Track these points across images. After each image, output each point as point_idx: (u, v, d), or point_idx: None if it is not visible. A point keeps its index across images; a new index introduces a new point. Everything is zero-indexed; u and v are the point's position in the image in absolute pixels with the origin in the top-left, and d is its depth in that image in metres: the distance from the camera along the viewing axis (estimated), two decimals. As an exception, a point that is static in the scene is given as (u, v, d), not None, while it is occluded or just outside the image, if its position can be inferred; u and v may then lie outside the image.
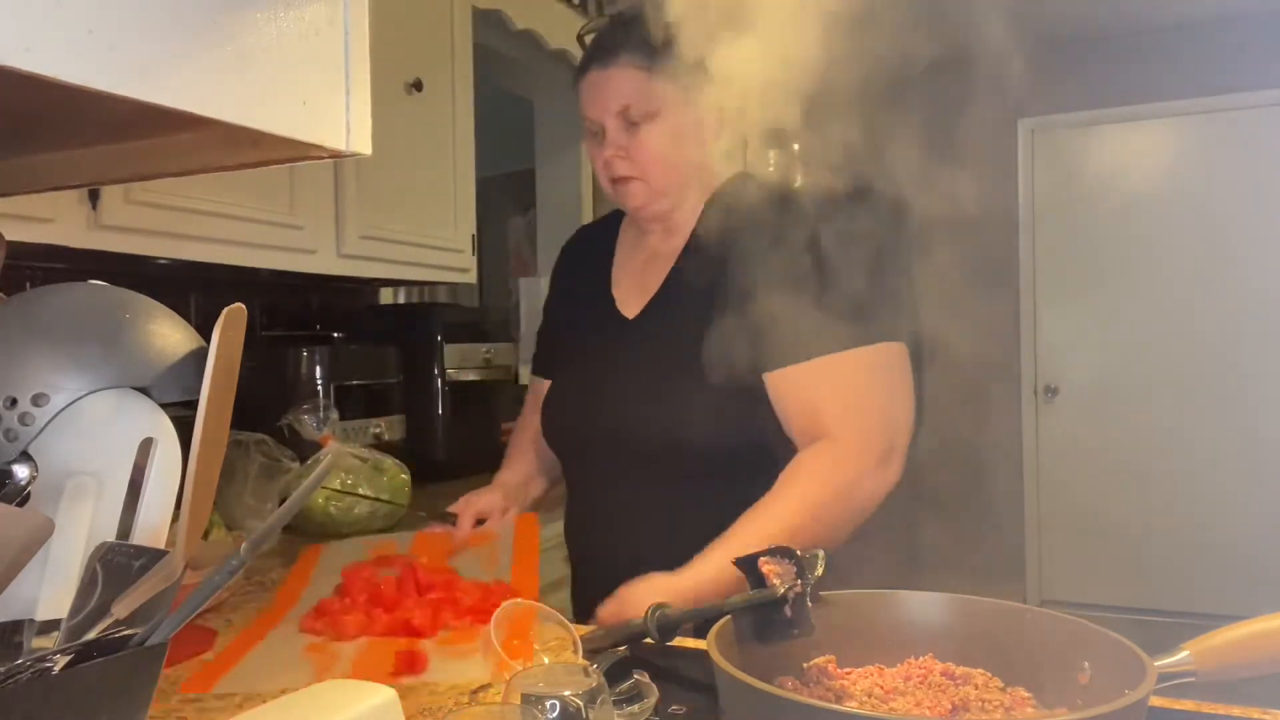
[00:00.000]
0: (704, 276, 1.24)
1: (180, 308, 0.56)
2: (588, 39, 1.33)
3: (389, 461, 1.91)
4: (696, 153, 1.28)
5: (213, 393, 0.51)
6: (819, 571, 0.80)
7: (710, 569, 1.08)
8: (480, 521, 1.39)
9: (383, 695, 0.71)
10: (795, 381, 1.18)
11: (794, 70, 0.90)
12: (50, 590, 0.50)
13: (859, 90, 0.95)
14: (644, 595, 1.05)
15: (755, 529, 1.11)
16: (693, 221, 1.31)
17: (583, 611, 1.14)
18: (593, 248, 1.47)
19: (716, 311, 1.19)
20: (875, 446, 1.16)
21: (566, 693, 0.61)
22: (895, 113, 1.05)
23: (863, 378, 1.18)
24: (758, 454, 1.20)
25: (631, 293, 1.35)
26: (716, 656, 0.67)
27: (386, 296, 2.88)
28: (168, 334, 0.54)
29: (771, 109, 0.93)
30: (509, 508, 1.42)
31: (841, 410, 1.16)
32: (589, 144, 1.32)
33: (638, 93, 1.23)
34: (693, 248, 1.30)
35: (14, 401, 0.50)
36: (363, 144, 0.64)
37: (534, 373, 1.54)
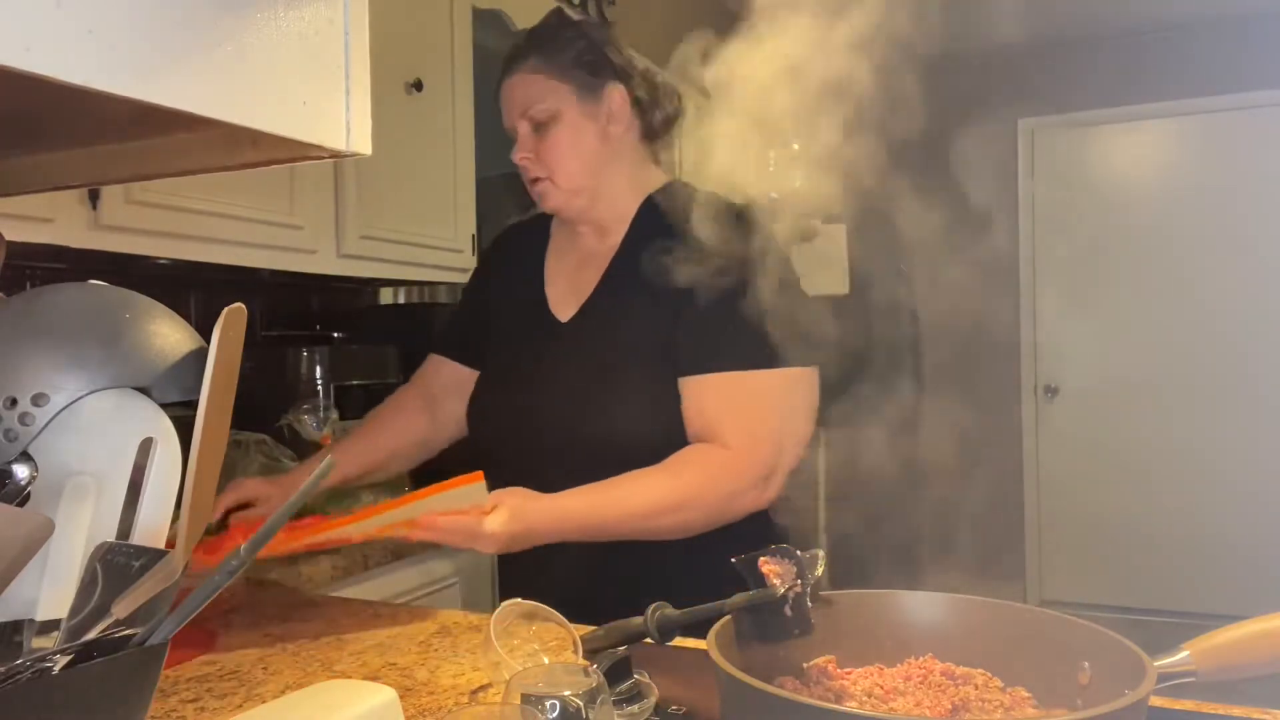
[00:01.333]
0: (635, 281, 1.27)
1: (180, 308, 0.56)
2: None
3: (389, 461, 1.91)
4: (605, 150, 1.32)
5: (213, 393, 0.51)
6: (819, 571, 0.80)
7: (579, 504, 1.17)
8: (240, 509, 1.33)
9: (383, 695, 0.71)
10: (701, 390, 1.23)
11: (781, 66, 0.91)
12: (50, 590, 0.50)
13: (857, 90, 0.95)
14: (523, 510, 1.14)
15: (631, 490, 1.19)
16: (626, 223, 1.34)
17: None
18: (525, 245, 1.47)
19: (646, 317, 1.24)
20: (761, 465, 1.22)
21: (566, 693, 0.61)
22: (895, 114, 1.05)
23: (763, 399, 1.24)
24: None
25: (565, 295, 1.37)
26: (716, 656, 0.67)
27: (386, 296, 2.88)
28: (168, 334, 0.54)
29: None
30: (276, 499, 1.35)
31: (737, 426, 1.21)
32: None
33: (536, 95, 1.29)
34: (626, 251, 1.33)
35: (14, 401, 0.50)
36: (363, 144, 0.64)
37: (447, 354, 1.51)
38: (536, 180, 1.32)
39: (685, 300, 1.21)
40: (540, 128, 1.29)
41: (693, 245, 1.20)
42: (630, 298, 1.29)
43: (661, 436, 1.23)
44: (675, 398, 1.24)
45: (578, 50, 1.30)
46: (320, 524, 1.19)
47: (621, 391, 1.25)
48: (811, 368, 1.24)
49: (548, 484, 1.21)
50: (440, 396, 1.50)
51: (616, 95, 1.31)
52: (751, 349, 1.19)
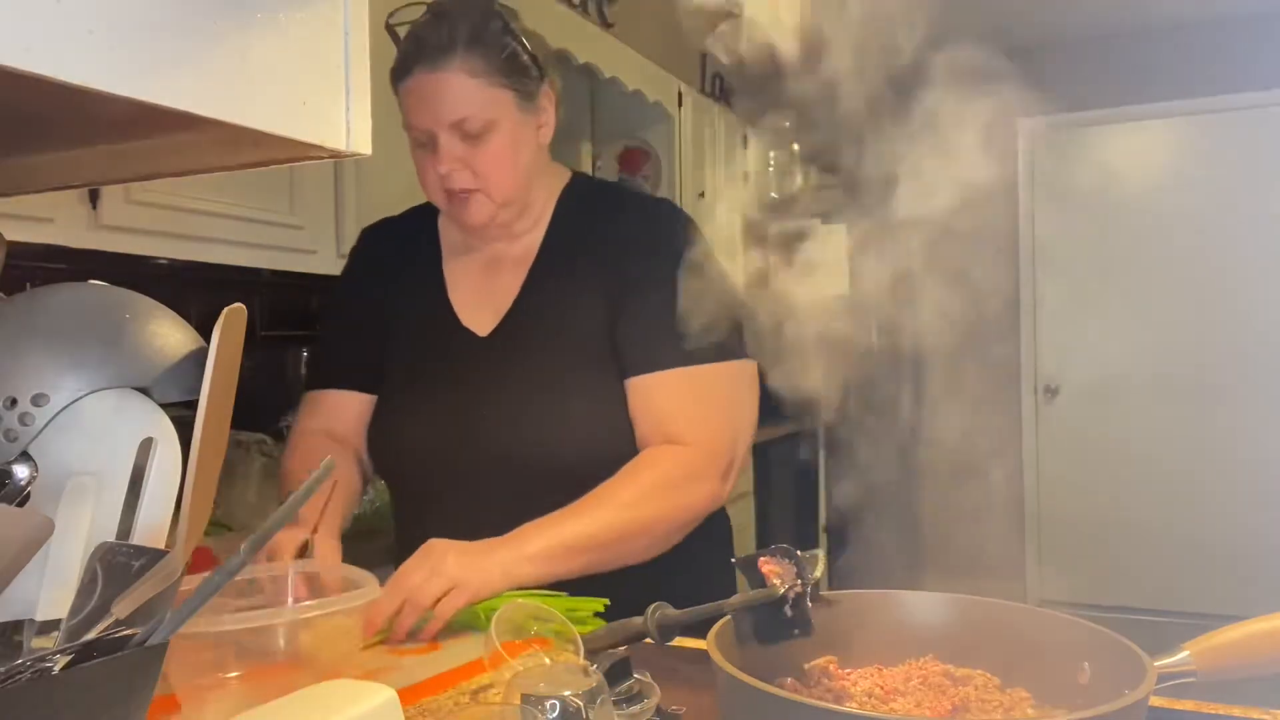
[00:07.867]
0: (563, 285, 1.23)
1: (180, 308, 0.56)
2: (400, 31, 1.18)
3: (389, 461, 1.91)
4: (538, 158, 1.24)
5: (213, 393, 0.51)
6: (819, 571, 0.80)
7: (536, 547, 1.07)
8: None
9: (383, 695, 0.71)
10: (650, 389, 1.19)
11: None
12: (50, 590, 0.50)
13: (856, 89, 0.95)
14: (453, 566, 1.02)
15: (591, 512, 1.11)
16: (542, 224, 1.27)
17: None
18: (409, 247, 1.33)
19: (582, 321, 1.20)
20: (720, 459, 1.19)
21: (566, 693, 0.61)
22: (893, 111, 1.05)
23: (715, 391, 1.20)
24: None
25: (478, 306, 1.27)
26: (716, 656, 0.67)
27: (386, 296, 2.87)
28: (168, 334, 0.54)
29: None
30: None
31: (691, 420, 1.18)
32: (416, 154, 1.20)
33: (476, 103, 1.15)
34: (547, 254, 1.26)
35: (14, 401, 0.50)
36: (363, 144, 0.64)
37: (349, 386, 1.31)
38: (465, 192, 1.18)
39: (623, 298, 1.18)
40: (470, 136, 1.15)
41: (621, 240, 1.19)
42: (561, 303, 1.22)
43: (610, 445, 1.17)
44: (609, 405, 1.18)
45: (511, 49, 1.17)
46: None
47: (566, 403, 1.18)
48: (751, 361, 1.21)
49: (485, 510, 1.14)
50: (352, 437, 1.30)
51: (548, 97, 1.22)
52: (690, 343, 1.14)
